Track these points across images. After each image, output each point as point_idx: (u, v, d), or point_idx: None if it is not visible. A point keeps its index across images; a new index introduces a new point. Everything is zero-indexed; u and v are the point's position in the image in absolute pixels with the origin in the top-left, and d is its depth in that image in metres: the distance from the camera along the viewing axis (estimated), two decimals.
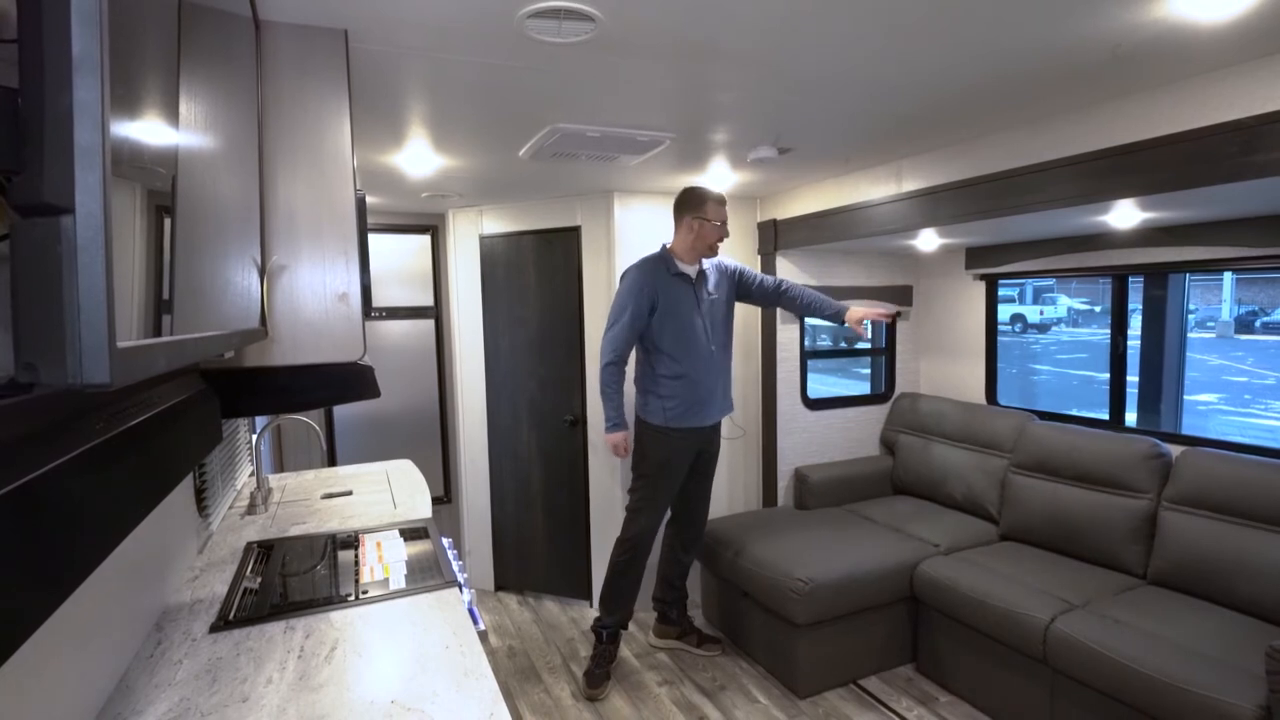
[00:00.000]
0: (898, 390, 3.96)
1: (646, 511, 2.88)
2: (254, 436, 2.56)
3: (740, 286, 3.01)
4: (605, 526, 3.44)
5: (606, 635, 2.93)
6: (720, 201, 2.80)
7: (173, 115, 0.73)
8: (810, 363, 3.76)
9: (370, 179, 2.89)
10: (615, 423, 2.79)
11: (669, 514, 3.04)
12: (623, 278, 2.90)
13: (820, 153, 2.66)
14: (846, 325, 2.92)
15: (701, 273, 2.88)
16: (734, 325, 3.04)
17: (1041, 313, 14.40)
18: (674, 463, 2.87)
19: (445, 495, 4.14)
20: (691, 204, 2.80)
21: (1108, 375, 3.14)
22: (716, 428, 3.00)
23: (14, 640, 0.54)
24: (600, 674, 2.84)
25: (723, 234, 2.80)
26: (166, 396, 1.00)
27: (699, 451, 2.93)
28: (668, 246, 2.88)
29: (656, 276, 2.80)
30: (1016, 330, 13.77)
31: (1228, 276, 10.86)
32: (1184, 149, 1.80)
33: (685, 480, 2.96)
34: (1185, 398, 3.38)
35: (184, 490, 1.76)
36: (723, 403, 2.96)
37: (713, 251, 2.84)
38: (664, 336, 2.80)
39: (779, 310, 3.54)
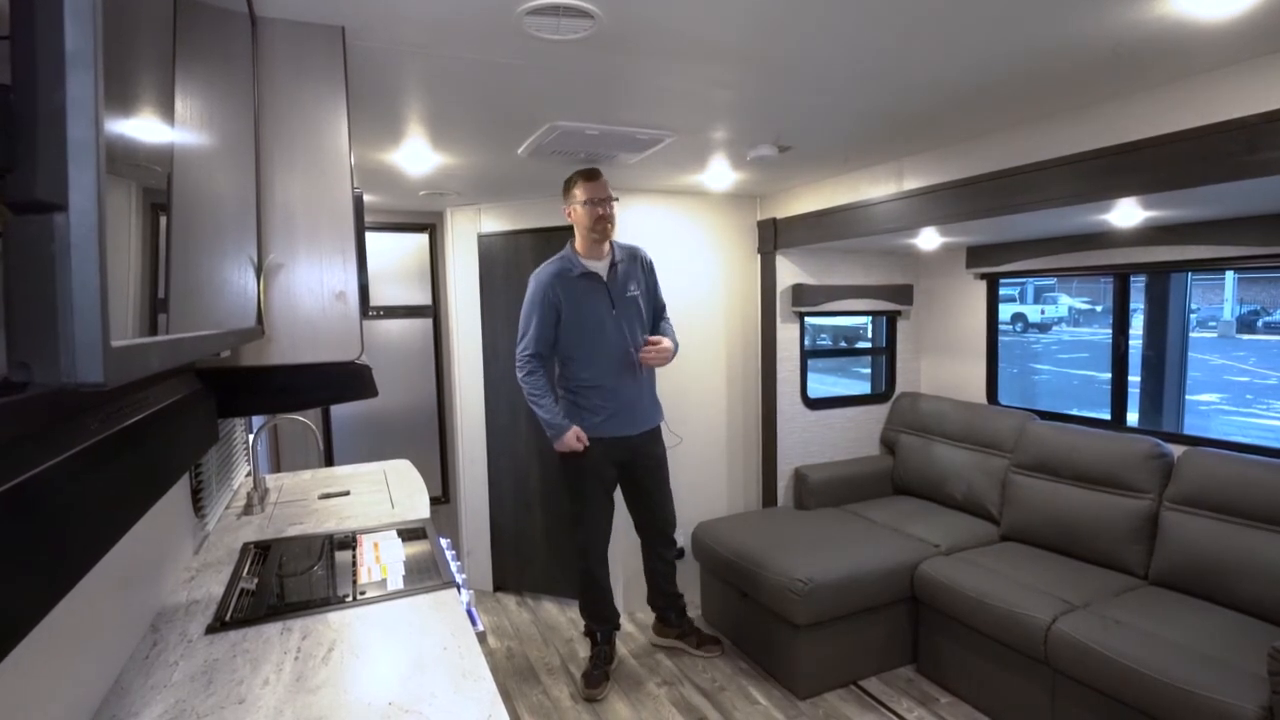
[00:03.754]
0: (898, 390, 3.95)
1: (582, 519, 2.81)
2: (251, 436, 2.55)
3: (650, 291, 2.82)
4: None
5: (601, 637, 2.93)
6: (589, 176, 2.56)
7: (168, 112, 0.72)
8: (810, 362, 3.75)
9: (368, 177, 2.88)
10: (557, 426, 2.63)
11: (634, 522, 2.98)
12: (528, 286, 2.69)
13: (820, 151, 2.65)
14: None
15: (614, 266, 2.69)
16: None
17: (1043, 312, 14.38)
18: (596, 473, 2.74)
19: (443, 495, 4.13)
20: (565, 193, 2.62)
21: (1109, 375, 3.14)
22: (650, 435, 2.83)
23: (8, 641, 0.53)
24: (599, 675, 2.83)
25: (595, 212, 2.54)
26: (162, 396, 0.99)
27: (626, 463, 2.79)
28: (572, 245, 2.70)
29: (559, 281, 2.63)
30: (1017, 330, 13.76)
31: (1230, 276, 10.83)
32: (1186, 147, 1.79)
33: (628, 489, 2.89)
34: (1187, 397, 3.38)
35: (180, 490, 1.76)
36: (650, 410, 2.81)
37: (598, 235, 2.60)
38: (572, 344, 2.66)
39: (777, 309, 3.55)
